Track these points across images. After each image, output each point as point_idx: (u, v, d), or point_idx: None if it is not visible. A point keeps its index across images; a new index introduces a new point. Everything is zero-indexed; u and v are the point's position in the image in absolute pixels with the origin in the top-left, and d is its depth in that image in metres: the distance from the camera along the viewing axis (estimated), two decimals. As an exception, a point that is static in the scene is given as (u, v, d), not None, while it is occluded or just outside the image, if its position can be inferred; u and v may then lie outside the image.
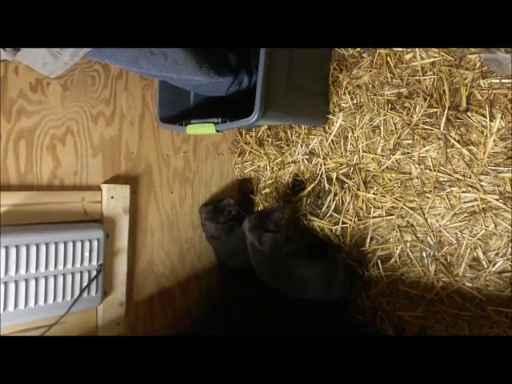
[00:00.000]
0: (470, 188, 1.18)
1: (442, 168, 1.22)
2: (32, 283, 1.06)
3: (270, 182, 1.62)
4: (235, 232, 1.49)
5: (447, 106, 1.19)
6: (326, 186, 1.46)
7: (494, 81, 1.14)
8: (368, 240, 1.38)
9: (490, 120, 1.14)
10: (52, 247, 1.09)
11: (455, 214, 1.21)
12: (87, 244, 1.16)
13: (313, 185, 1.49)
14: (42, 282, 1.08)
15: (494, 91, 1.14)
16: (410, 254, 1.30)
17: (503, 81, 1.13)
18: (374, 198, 1.35)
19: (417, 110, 1.25)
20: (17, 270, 1.03)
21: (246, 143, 1.68)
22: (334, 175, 1.43)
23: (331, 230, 1.45)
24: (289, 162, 1.56)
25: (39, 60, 0.85)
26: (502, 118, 1.12)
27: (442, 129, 1.20)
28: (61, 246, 1.11)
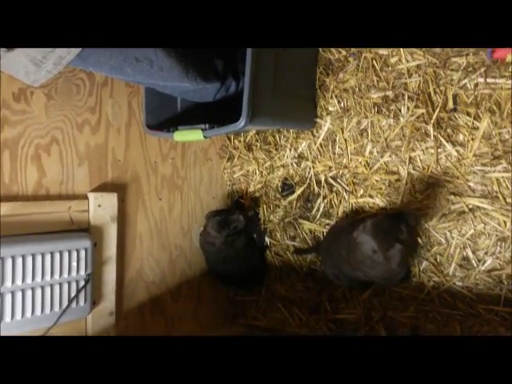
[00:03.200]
0: (458, 189, 1.20)
1: (432, 169, 1.23)
2: (19, 295, 1.04)
3: (259, 186, 1.61)
4: (235, 245, 1.49)
5: (435, 108, 1.21)
6: (316, 189, 1.46)
7: (479, 80, 1.16)
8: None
9: (477, 120, 1.15)
10: (39, 258, 1.07)
11: (444, 214, 1.22)
12: (75, 254, 1.14)
13: (302, 188, 1.49)
14: (29, 293, 1.06)
15: (480, 91, 1.15)
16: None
17: (488, 80, 1.14)
18: (363, 201, 1.36)
19: (403, 112, 1.26)
20: (3, 282, 1.01)
21: (234, 148, 1.68)
22: (323, 178, 1.44)
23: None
24: (278, 166, 1.56)
25: (21, 69, 0.83)
26: (489, 118, 1.14)
27: (431, 130, 1.21)
28: (48, 257, 1.09)
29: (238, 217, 1.48)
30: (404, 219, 1.11)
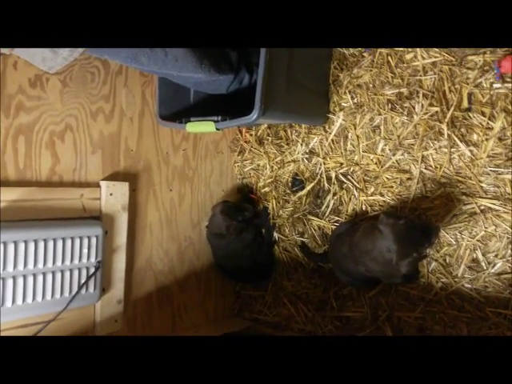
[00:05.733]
0: (470, 190, 1.18)
1: (444, 168, 1.22)
2: (30, 279, 1.06)
3: (269, 181, 1.61)
4: (243, 235, 1.49)
5: (449, 106, 1.19)
6: (326, 185, 1.46)
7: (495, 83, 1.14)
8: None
9: (492, 120, 1.14)
10: (50, 243, 1.09)
11: (455, 214, 1.21)
12: (86, 241, 1.15)
13: (312, 184, 1.49)
14: (40, 278, 1.08)
15: (496, 91, 1.14)
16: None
17: (506, 85, 1.13)
18: (373, 199, 1.35)
19: (417, 110, 1.25)
20: (15, 266, 1.03)
21: (245, 142, 1.68)
22: (334, 175, 1.43)
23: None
24: (288, 161, 1.56)
25: (38, 55, 0.85)
26: (504, 118, 1.12)
27: (445, 129, 1.19)
28: (59, 243, 1.10)
29: (248, 207, 1.49)
30: (429, 234, 1.09)
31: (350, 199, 1.41)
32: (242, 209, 1.49)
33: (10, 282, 1.03)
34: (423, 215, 1.25)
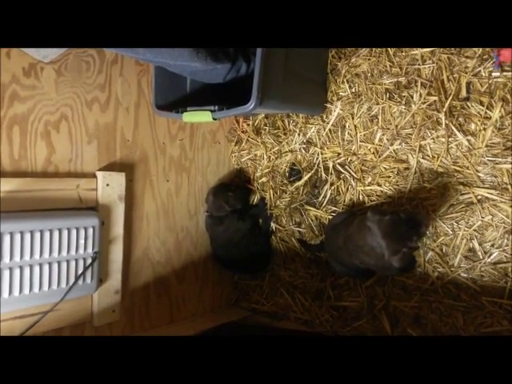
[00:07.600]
0: (467, 180, 1.18)
1: (441, 158, 1.21)
2: (27, 270, 1.06)
3: (266, 171, 1.61)
4: (239, 222, 1.53)
5: (448, 96, 1.19)
6: (323, 175, 1.46)
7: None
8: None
9: (489, 109, 1.13)
10: (47, 234, 1.08)
11: (452, 204, 1.21)
12: (82, 231, 1.15)
13: (309, 174, 1.49)
14: (36, 269, 1.08)
15: (495, 80, 1.13)
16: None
17: (505, 73, 1.12)
18: (371, 189, 1.35)
19: (415, 99, 1.24)
20: (11, 257, 1.03)
21: (242, 132, 1.67)
22: (331, 164, 1.43)
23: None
24: (286, 151, 1.55)
25: (32, 44, 0.83)
26: (502, 108, 1.12)
27: (443, 119, 1.19)
28: (56, 234, 1.10)
29: (234, 183, 1.56)
30: (418, 225, 1.09)
31: (348, 189, 1.41)
32: (230, 187, 1.55)
33: (6, 273, 1.02)
34: (420, 205, 1.25)
